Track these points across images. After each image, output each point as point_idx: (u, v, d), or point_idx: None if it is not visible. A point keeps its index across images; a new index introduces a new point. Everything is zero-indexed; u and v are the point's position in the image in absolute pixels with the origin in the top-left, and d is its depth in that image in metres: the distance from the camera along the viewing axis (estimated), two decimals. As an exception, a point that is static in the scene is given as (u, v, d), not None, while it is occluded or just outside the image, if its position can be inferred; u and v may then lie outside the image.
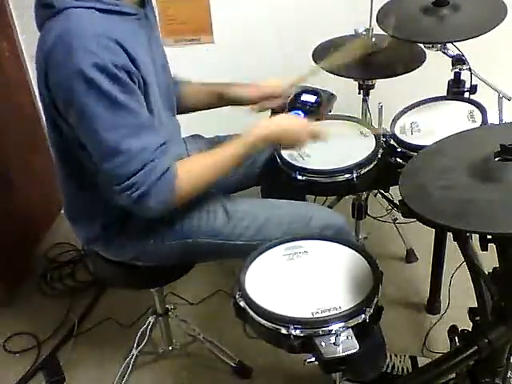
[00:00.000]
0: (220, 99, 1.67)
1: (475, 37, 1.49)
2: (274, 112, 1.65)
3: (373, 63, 1.87)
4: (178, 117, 1.59)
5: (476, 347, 1.14)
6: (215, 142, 1.73)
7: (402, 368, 1.75)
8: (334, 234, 1.42)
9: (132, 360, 1.89)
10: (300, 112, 1.94)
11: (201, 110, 1.69)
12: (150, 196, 1.26)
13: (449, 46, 1.66)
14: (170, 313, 1.88)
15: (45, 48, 1.22)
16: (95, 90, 1.19)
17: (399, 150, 1.57)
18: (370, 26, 1.86)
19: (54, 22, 1.22)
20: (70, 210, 1.52)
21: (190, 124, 1.65)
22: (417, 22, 1.62)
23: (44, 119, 1.37)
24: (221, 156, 1.39)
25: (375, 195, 2.23)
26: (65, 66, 1.18)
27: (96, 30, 1.20)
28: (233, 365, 1.90)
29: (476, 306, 1.32)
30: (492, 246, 1.06)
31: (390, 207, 2.23)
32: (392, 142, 1.60)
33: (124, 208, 1.32)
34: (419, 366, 1.77)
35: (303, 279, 1.26)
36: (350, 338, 1.11)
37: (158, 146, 1.27)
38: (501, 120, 1.56)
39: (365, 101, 2.01)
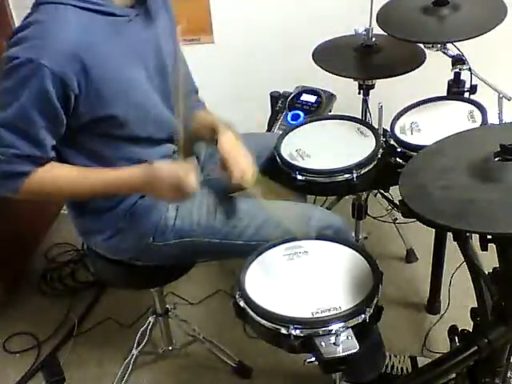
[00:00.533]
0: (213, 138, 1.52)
1: (475, 37, 1.49)
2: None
3: (373, 63, 1.87)
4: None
5: (476, 347, 1.15)
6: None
7: (402, 368, 1.75)
8: (333, 235, 1.42)
9: (132, 360, 1.89)
10: (300, 112, 1.95)
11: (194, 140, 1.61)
12: None
13: (449, 46, 1.66)
14: (170, 313, 1.88)
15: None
16: (13, 78, 1.20)
17: (399, 149, 1.57)
18: (370, 25, 1.86)
19: (33, 14, 1.24)
20: (74, 205, 1.52)
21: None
22: (417, 21, 1.62)
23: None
24: (96, 180, 1.33)
25: (375, 195, 2.23)
26: (12, 50, 1.21)
27: (58, 33, 1.20)
28: (233, 365, 1.90)
29: (476, 306, 1.32)
30: (492, 246, 1.06)
31: (389, 207, 2.23)
32: (392, 142, 1.60)
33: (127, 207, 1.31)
34: (419, 366, 1.77)
35: (303, 279, 1.26)
36: (349, 338, 1.10)
37: (26, 155, 1.25)
38: (501, 120, 1.56)
39: (365, 101, 2.01)
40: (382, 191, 2.16)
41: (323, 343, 1.10)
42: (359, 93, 1.98)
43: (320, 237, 1.37)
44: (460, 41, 1.58)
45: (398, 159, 1.57)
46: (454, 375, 1.34)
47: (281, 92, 2.06)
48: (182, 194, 1.30)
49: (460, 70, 1.67)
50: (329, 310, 1.15)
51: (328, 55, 1.89)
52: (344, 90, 1.92)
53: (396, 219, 2.24)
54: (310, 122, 1.76)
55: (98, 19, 1.26)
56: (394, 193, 1.99)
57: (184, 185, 1.28)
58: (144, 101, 1.37)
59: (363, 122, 1.74)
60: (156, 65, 1.41)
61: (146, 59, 1.37)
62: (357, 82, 1.95)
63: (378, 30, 1.73)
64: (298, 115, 1.93)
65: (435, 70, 1.77)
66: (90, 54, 1.23)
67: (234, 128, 1.51)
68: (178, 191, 1.29)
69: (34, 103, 1.22)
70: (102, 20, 1.26)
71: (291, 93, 2.02)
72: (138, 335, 1.91)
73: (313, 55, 1.89)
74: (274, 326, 1.14)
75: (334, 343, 1.10)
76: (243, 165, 1.41)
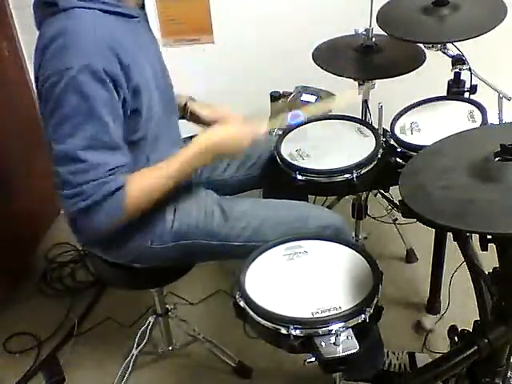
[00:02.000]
0: (183, 113, 1.64)
1: (475, 37, 1.49)
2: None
3: (373, 63, 1.87)
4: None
5: (476, 347, 1.15)
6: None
7: (400, 365, 1.76)
8: (333, 234, 1.42)
9: (132, 360, 1.89)
10: (300, 112, 1.95)
11: None
12: (97, 210, 1.23)
13: (449, 46, 1.66)
14: (169, 313, 1.88)
15: (41, 44, 1.23)
16: (77, 91, 1.18)
17: (399, 149, 1.57)
18: (370, 26, 1.86)
19: (55, 20, 1.23)
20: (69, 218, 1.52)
21: (189, 124, 1.65)
22: (417, 21, 1.62)
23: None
24: (173, 169, 1.35)
25: (375, 195, 2.23)
26: (56, 62, 1.19)
27: (95, 33, 1.21)
28: (233, 365, 1.90)
29: (476, 306, 1.33)
30: (492, 246, 1.06)
31: (389, 207, 2.23)
32: (392, 141, 1.60)
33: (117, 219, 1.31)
34: (417, 362, 1.77)
35: (303, 279, 1.26)
36: (349, 338, 1.10)
37: (116, 166, 1.25)
38: (501, 120, 1.56)
39: (365, 101, 2.01)
40: (382, 191, 2.16)
41: (323, 343, 1.10)
42: (359, 93, 1.98)
43: (320, 237, 1.37)
44: (460, 41, 1.58)
45: (398, 159, 1.57)
46: (453, 375, 1.34)
47: (281, 92, 2.06)
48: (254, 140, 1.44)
49: (460, 69, 1.67)
50: (329, 309, 1.15)
51: (328, 55, 1.89)
52: (344, 90, 1.92)
53: (396, 219, 2.24)
54: (310, 121, 1.76)
55: (119, 20, 1.28)
56: (394, 193, 1.99)
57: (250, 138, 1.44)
58: (152, 100, 1.37)
59: (363, 121, 1.74)
60: (158, 66, 1.43)
61: (152, 59, 1.39)
62: (357, 82, 1.95)
63: (377, 31, 1.73)
64: (298, 115, 1.93)
65: (435, 70, 1.77)
66: (124, 54, 1.24)
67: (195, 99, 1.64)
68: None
69: (106, 109, 1.22)
70: (121, 21, 1.29)
71: (291, 93, 2.02)
72: (138, 335, 1.91)
73: (313, 55, 1.89)
74: (273, 326, 1.14)
75: (334, 343, 1.10)
76: (231, 115, 1.54)
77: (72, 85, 1.18)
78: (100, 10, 1.24)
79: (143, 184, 1.31)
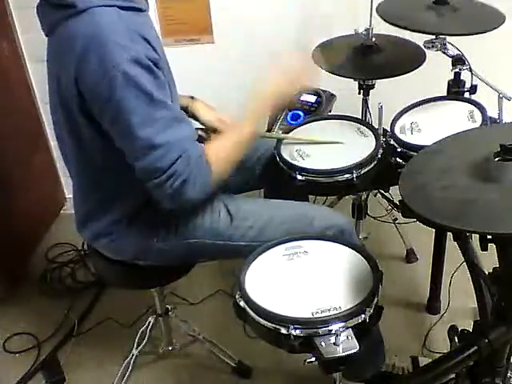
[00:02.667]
0: (185, 112, 1.63)
1: (475, 34, 1.49)
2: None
3: (373, 63, 1.87)
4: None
5: (476, 347, 1.15)
6: None
7: (403, 368, 1.75)
8: (337, 235, 1.43)
9: (132, 360, 1.89)
10: (300, 112, 1.95)
11: None
12: (190, 183, 1.26)
13: (449, 46, 1.66)
14: (170, 313, 1.88)
15: (73, 52, 1.20)
16: (133, 84, 1.20)
17: (399, 149, 1.57)
18: (370, 25, 1.86)
19: (78, 22, 1.21)
20: (80, 209, 1.53)
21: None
22: (417, 13, 1.62)
23: (50, 120, 1.39)
24: (239, 136, 1.41)
25: (375, 195, 2.23)
26: (102, 65, 1.18)
27: (126, 26, 1.22)
28: (233, 365, 1.90)
29: (476, 305, 1.33)
30: (492, 246, 1.06)
31: (389, 207, 2.23)
32: (392, 142, 1.60)
33: (130, 207, 1.33)
34: (420, 365, 1.77)
35: (303, 279, 1.26)
36: (349, 338, 1.10)
37: (190, 135, 1.30)
38: (501, 120, 1.56)
39: (365, 101, 2.01)
40: (382, 191, 2.16)
41: (323, 343, 1.10)
42: (359, 93, 1.98)
43: (320, 237, 1.37)
44: (460, 35, 1.58)
45: (398, 159, 1.57)
46: (454, 375, 1.34)
47: (281, 92, 2.06)
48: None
49: (460, 70, 1.67)
50: (329, 309, 1.15)
51: (328, 55, 1.89)
52: (344, 90, 1.92)
53: (396, 219, 2.24)
54: (310, 121, 1.76)
55: (135, 15, 1.29)
56: (394, 193, 1.99)
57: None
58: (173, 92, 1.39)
59: (363, 122, 1.74)
60: (164, 57, 1.43)
61: (160, 52, 1.39)
62: (357, 82, 1.95)
63: (377, 30, 1.73)
64: (298, 115, 1.93)
65: (435, 69, 1.77)
66: (153, 44, 1.27)
67: (196, 98, 1.66)
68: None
69: (159, 91, 1.24)
70: (135, 15, 1.30)
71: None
72: (138, 335, 1.91)
73: (313, 55, 1.89)
74: (274, 326, 1.14)
75: (334, 343, 1.10)
76: (230, 123, 1.59)
77: (125, 80, 1.19)
78: (117, 7, 1.24)
79: (219, 150, 1.36)
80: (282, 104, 1.53)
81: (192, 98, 1.66)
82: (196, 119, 1.65)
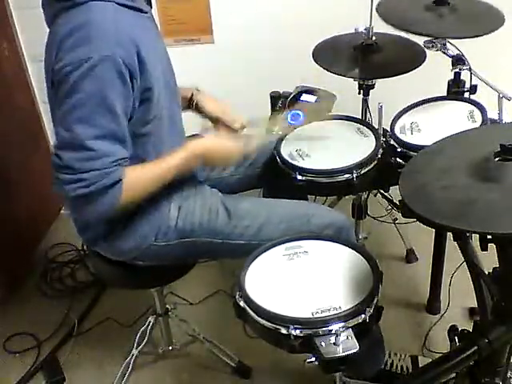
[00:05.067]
0: (186, 103, 1.66)
1: (474, 37, 1.49)
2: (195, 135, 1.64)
3: (373, 62, 1.86)
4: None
5: (476, 347, 1.15)
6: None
7: (402, 366, 1.75)
8: (335, 233, 1.43)
9: (132, 360, 1.89)
10: (300, 112, 1.95)
11: None
12: (93, 199, 1.25)
13: (449, 46, 1.66)
14: (170, 313, 1.88)
15: (58, 36, 1.22)
16: (94, 79, 1.19)
17: (399, 149, 1.57)
18: (371, 24, 1.86)
19: (73, 13, 1.23)
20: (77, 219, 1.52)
21: (190, 124, 1.65)
22: (417, 15, 1.62)
23: (50, 120, 1.37)
24: (164, 169, 1.37)
25: (375, 195, 2.23)
26: (76, 52, 1.19)
27: (117, 25, 1.22)
28: (233, 365, 1.90)
29: (476, 305, 1.32)
30: (492, 246, 1.06)
31: (389, 207, 2.23)
32: (392, 142, 1.60)
33: (129, 208, 1.33)
34: (420, 365, 1.77)
35: (303, 279, 1.26)
36: (350, 337, 1.10)
37: (120, 158, 1.26)
38: (501, 120, 1.56)
39: (365, 101, 2.01)
40: (382, 191, 2.16)
41: (323, 343, 1.10)
42: (359, 93, 1.98)
43: (320, 237, 1.37)
44: (461, 38, 1.58)
45: (398, 159, 1.57)
46: (454, 375, 1.34)
47: (281, 92, 2.06)
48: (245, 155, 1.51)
49: (460, 69, 1.67)
50: (329, 309, 1.15)
51: (328, 54, 1.89)
52: (344, 90, 1.91)
53: (396, 219, 2.24)
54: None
55: (134, 14, 1.30)
56: (394, 193, 2.00)
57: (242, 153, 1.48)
58: (161, 95, 1.38)
59: (363, 121, 1.74)
60: (166, 61, 1.45)
61: (160, 55, 1.41)
62: (357, 82, 1.95)
63: (378, 29, 1.73)
64: (298, 115, 1.93)
65: (435, 69, 1.77)
66: (142, 46, 1.26)
67: (200, 89, 1.67)
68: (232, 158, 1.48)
69: (121, 103, 1.23)
70: (135, 15, 1.30)
71: (291, 93, 2.02)
72: (138, 335, 1.91)
73: (313, 54, 1.89)
74: (274, 325, 1.14)
75: (333, 343, 1.10)
76: (233, 115, 1.61)
77: (90, 73, 1.19)
78: (115, 3, 1.25)
79: (138, 180, 1.32)
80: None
81: (197, 89, 1.66)
82: (200, 110, 1.65)
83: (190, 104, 1.65)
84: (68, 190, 1.24)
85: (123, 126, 1.27)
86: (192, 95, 1.64)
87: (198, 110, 1.65)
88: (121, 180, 1.26)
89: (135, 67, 1.24)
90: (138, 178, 1.33)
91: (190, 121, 1.63)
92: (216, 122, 1.63)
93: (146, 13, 1.37)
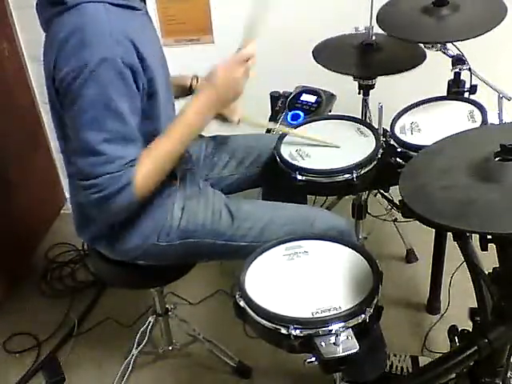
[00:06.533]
0: (186, 92, 1.66)
1: (475, 37, 1.49)
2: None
3: (373, 63, 1.87)
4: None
5: (476, 347, 1.14)
6: (216, 141, 1.73)
7: (402, 367, 1.75)
8: (338, 236, 1.42)
9: (132, 360, 1.89)
10: (300, 112, 1.95)
11: None
12: (110, 202, 1.25)
13: (449, 46, 1.66)
14: (170, 313, 1.88)
15: (56, 42, 1.22)
16: (95, 84, 1.19)
17: (399, 149, 1.57)
18: (371, 24, 1.86)
19: (67, 17, 1.22)
20: (77, 211, 1.52)
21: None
22: (417, 22, 1.62)
23: (50, 120, 1.38)
24: (173, 143, 1.35)
25: (375, 195, 2.23)
26: (75, 59, 1.19)
27: (111, 25, 1.22)
28: (233, 365, 1.90)
29: (476, 306, 1.32)
30: (492, 246, 1.06)
31: (389, 207, 2.23)
32: (392, 142, 1.59)
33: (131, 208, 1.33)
34: (420, 365, 1.77)
35: (303, 279, 1.25)
36: (349, 338, 1.10)
37: (131, 159, 1.26)
38: (501, 120, 1.56)
39: (365, 101, 2.01)
40: (382, 191, 2.16)
41: (323, 343, 1.10)
42: (359, 93, 1.98)
43: (320, 237, 1.37)
44: (460, 40, 1.58)
45: (398, 159, 1.57)
46: (454, 375, 1.34)
47: (281, 92, 2.06)
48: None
49: (460, 69, 1.66)
50: (329, 309, 1.15)
51: (328, 53, 1.89)
52: (344, 90, 1.92)
53: (396, 219, 2.24)
54: (310, 122, 1.76)
55: (127, 12, 1.30)
56: (394, 193, 1.99)
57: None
58: (159, 91, 1.38)
59: (363, 121, 1.73)
60: (161, 57, 1.45)
61: (157, 51, 1.41)
62: (357, 82, 1.95)
63: (378, 29, 1.72)
64: (298, 115, 1.93)
65: (435, 69, 1.77)
66: (139, 43, 1.25)
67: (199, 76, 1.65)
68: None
69: (125, 103, 1.23)
70: (128, 13, 1.30)
71: (291, 93, 2.02)
72: (138, 335, 1.91)
73: (313, 53, 1.89)
74: (273, 325, 1.14)
75: (334, 343, 1.09)
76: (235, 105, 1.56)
77: (90, 78, 1.19)
78: (109, 4, 1.24)
79: (151, 167, 1.31)
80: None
81: (196, 77, 1.66)
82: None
83: (190, 92, 1.65)
84: (83, 195, 1.26)
85: (131, 126, 1.27)
86: (191, 83, 1.65)
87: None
88: (134, 177, 1.26)
89: (136, 65, 1.25)
90: (153, 165, 1.31)
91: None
92: None
93: (140, 10, 1.36)
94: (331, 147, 1.59)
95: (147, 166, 1.30)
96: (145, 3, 1.42)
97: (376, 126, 1.66)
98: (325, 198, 2.24)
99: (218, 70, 1.40)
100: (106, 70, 1.19)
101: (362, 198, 2.09)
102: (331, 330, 1.11)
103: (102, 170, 1.23)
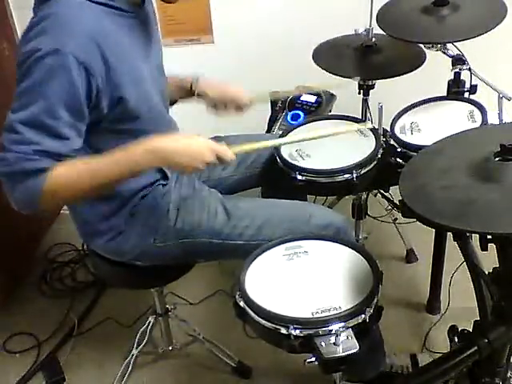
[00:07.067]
0: (189, 93, 1.67)
1: (475, 37, 1.49)
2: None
3: (373, 63, 1.87)
4: (179, 117, 1.60)
5: (476, 347, 1.15)
6: (216, 141, 1.73)
7: (402, 366, 1.75)
8: (335, 233, 1.43)
9: (132, 360, 1.89)
10: (300, 112, 1.95)
11: (170, 104, 1.66)
12: (16, 181, 1.21)
13: (449, 45, 1.66)
14: (170, 313, 1.88)
15: (27, 28, 1.24)
16: (39, 70, 1.19)
17: (399, 149, 1.57)
18: (370, 25, 1.86)
19: (45, 7, 1.24)
20: (75, 210, 1.52)
21: (189, 124, 1.65)
22: (416, 22, 1.62)
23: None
24: (101, 164, 1.26)
25: (375, 195, 2.23)
26: (34, 42, 1.20)
27: (80, 21, 1.22)
28: (233, 365, 1.90)
29: (476, 306, 1.32)
30: (492, 246, 1.06)
31: (389, 207, 2.23)
32: (392, 142, 1.60)
33: (129, 209, 1.32)
34: (419, 362, 1.77)
35: (303, 279, 1.26)
36: (349, 337, 1.10)
37: (48, 151, 1.22)
38: (501, 120, 1.56)
39: (365, 101, 2.01)
40: (382, 191, 2.16)
41: (323, 343, 1.10)
42: (359, 93, 1.98)
43: (320, 237, 1.37)
44: (460, 41, 1.58)
45: (398, 159, 1.57)
46: (453, 375, 1.34)
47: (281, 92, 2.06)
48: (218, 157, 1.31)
49: (460, 69, 1.67)
50: (329, 309, 1.15)
51: (328, 56, 1.89)
52: (344, 90, 1.92)
53: (396, 219, 2.24)
54: (310, 122, 1.76)
55: (109, 12, 1.29)
56: (394, 193, 2.00)
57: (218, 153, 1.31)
58: (150, 94, 1.38)
59: (363, 122, 1.73)
60: (155, 63, 1.45)
61: (148, 55, 1.40)
62: (357, 82, 1.95)
63: (378, 30, 1.73)
64: (298, 115, 1.93)
65: (435, 69, 1.77)
66: (107, 42, 1.24)
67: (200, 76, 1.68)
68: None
69: (60, 97, 1.21)
70: (111, 13, 1.29)
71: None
72: (138, 335, 1.91)
73: (313, 55, 1.89)
74: (273, 326, 1.14)
75: (334, 343, 1.10)
76: (236, 91, 1.64)
77: (37, 64, 1.19)
78: (90, 1, 1.24)
79: (68, 174, 1.25)
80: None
81: (195, 78, 1.67)
82: (202, 99, 1.66)
83: (192, 94, 1.66)
84: None
85: (61, 121, 1.22)
86: (191, 85, 1.65)
87: (201, 98, 1.66)
88: (45, 170, 1.21)
89: (95, 66, 1.22)
90: (69, 172, 1.25)
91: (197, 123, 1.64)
92: (222, 105, 1.65)
93: (132, 13, 1.34)
94: (328, 136, 1.51)
95: (69, 173, 1.25)
96: (140, 7, 1.39)
97: (376, 126, 1.66)
98: (325, 197, 2.24)
99: (197, 138, 1.32)
100: (54, 61, 1.18)
101: (362, 197, 2.09)
102: (331, 330, 1.11)
103: (13, 148, 1.20)
